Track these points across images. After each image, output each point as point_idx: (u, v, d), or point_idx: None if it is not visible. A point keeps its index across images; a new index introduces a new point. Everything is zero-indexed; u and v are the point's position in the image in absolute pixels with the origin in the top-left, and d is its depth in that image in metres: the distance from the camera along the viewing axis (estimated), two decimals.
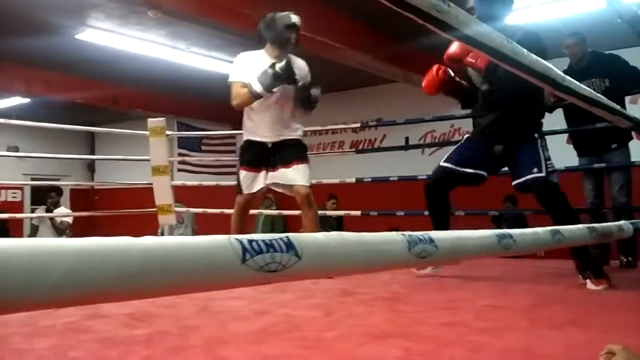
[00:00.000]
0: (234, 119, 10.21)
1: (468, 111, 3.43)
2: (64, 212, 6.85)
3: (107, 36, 6.62)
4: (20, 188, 10.93)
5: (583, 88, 1.61)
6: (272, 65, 3.17)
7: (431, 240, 0.76)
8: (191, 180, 7.15)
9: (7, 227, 7.45)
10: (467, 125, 7.82)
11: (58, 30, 6.45)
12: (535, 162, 2.88)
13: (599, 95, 1.78)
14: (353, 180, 5.17)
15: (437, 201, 3.23)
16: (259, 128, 3.40)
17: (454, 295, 2.63)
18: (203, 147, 9.70)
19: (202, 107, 9.72)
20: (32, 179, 10.18)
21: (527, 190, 2.95)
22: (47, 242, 0.41)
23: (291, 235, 0.58)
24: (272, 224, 8.61)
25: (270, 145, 3.38)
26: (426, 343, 1.70)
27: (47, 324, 1.91)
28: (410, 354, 1.56)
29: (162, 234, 6.61)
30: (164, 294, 0.46)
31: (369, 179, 5.46)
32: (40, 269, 0.38)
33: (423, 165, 7.26)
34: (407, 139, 8.06)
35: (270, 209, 8.21)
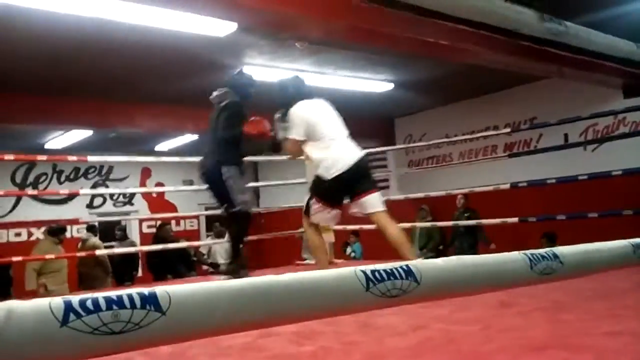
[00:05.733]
0: (383, 135, 10.39)
1: (629, 104, 3.29)
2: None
3: (260, 71, 7.14)
4: (197, 217, 12.01)
5: None
6: None
7: (555, 257, 0.79)
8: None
9: (189, 253, 8.32)
10: (632, 116, 7.23)
11: (220, 71, 7.08)
12: None
13: None
14: (507, 186, 5.02)
15: None
16: None
17: (620, 303, 2.48)
18: None
19: (350, 125, 9.99)
20: (206, 208, 11.15)
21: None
22: (211, 285, 0.55)
23: (411, 262, 0.66)
24: (429, 235, 8.56)
25: None
26: (587, 354, 1.64)
27: (228, 344, 2.09)
28: None
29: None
30: (302, 320, 0.57)
31: (525, 184, 5.27)
32: (210, 306, 0.52)
33: (586, 163, 6.84)
34: (566, 135, 7.61)
35: (426, 220, 8.20)
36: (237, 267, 3.99)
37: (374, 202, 3.53)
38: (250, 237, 8.35)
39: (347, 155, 3.51)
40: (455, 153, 9.46)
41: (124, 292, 0.51)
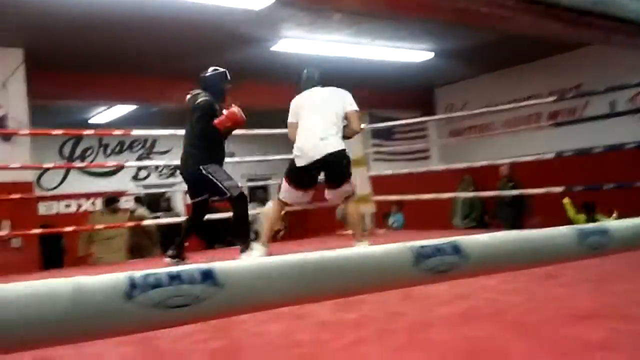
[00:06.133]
0: (423, 105, 10.27)
1: None
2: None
3: (299, 43, 7.12)
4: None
5: None
6: None
7: (605, 232, 0.78)
8: (386, 169, 7.39)
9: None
10: None
11: (257, 44, 7.09)
12: None
13: None
14: (552, 155, 4.92)
15: None
16: None
17: None
18: (395, 136, 9.90)
19: (390, 96, 9.91)
20: (248, 180, 11.32)
21: None
22: (266, 260, 0.57)
23: (459, 238, 0.67)
24: (471, 205, 8.48)
25: None
26: (636, 324, 1.63)
27: (275, 311, 2.15)
28: (616, 335, 1.52)
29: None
30: (352, 295, 0.59)
31: (570, 153, 5.14)
32: (264, 280, 0.54)
33: (633, 131, 6.63)
34: (612, 103, 7.37)
35: (468, 190, 8.11)
36: (248, 243, 4.08)
37: (340, 195, 3.98)
38: (293, 208, 8.47)
39: (312, 150, 3.80)
40: (498, 122, 9.30)
41: (184, 267, 0.53)
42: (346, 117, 3.93)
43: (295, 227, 10.17)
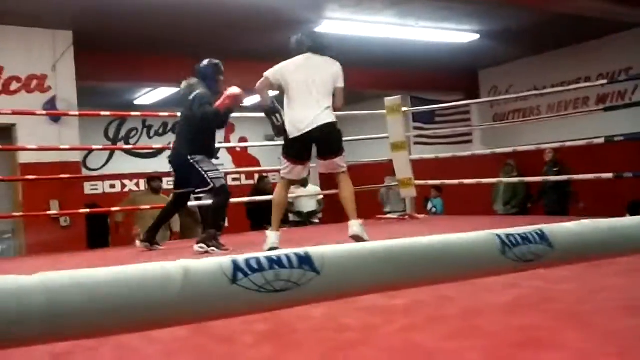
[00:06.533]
0: (466, 87, 10.10)
1: None
2: (314, 190, 7.67)
3: (342, 25, 7.08)
4: (278, 171, 12.26)
5: None
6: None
7: None
8: (427, 153, 7.32)
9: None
10: None
11: (301, 26, 7.07)
12: None
13: None
14: (602, 140, 4.79)
15: None
16: None
17: None
18: (437, 119, 9.78)
19: (432, 78, 9.78)
20: None
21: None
22: (359, 246, 0.58)
23: (545, 227, 0.66)
24: (514, 191, 8.33)
25: None
26: None
27: None
28: None
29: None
30: (441, 282, 0.60)
31: (621, 138, 4.98)
32: (359, 267, 0.56)
33: None
34: None
35: (511, 176, 7.97)
36: (211, 235, 4.10)
37: (333, 166, 3.92)
38: (330, 192, 8.49)
39: (306, 121, 3.76)
40: (544, 106, 9.08)
41: (282, 252, 0.54)
42: (333, 91, 3.93)
43: (331, 211, 10.17)
